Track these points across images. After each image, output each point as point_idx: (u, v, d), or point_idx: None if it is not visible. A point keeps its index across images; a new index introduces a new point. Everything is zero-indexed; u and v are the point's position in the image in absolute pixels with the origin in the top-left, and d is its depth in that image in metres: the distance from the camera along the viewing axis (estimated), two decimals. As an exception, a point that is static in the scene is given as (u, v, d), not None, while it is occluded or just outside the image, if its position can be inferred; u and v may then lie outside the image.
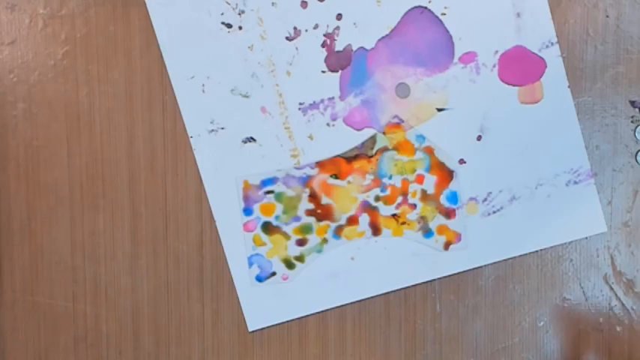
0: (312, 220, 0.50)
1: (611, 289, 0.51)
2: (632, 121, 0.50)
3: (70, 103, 0.50)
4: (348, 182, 0.50)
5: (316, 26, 0.49)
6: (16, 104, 0.50)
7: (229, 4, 0.49)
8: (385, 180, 0.50)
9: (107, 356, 0.51)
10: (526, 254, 0.50)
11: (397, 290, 0.51)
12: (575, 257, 0.51)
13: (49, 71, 0.50)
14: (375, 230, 0.50)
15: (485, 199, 0.50)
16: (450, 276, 0.51)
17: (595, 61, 0.50)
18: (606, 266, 0.51)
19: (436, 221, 0.50)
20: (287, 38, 0.49)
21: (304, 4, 0.49)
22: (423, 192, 0.50)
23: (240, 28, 0.49)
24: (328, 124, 0.50)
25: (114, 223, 0.50)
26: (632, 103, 0.50)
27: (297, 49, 0.49)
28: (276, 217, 0.50)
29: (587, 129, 0.50)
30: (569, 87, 0.50)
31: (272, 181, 0.50)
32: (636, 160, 0.50)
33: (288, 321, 0.51)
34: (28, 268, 0.50)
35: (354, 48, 0.49)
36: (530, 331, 0.51)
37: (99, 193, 0.50)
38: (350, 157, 0.50)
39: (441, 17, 0.49)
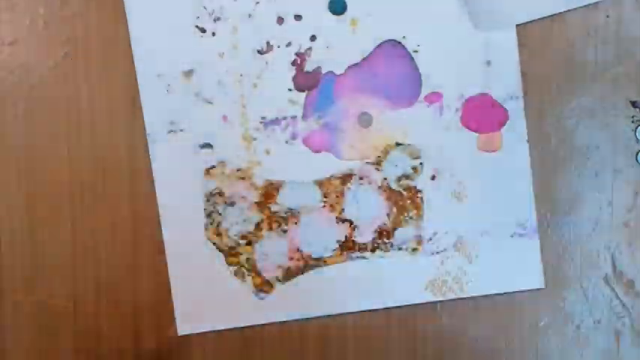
0: None
1: (612, 289, 0.51)
2: (632, 121, 0.50)
3: (71, 103, 0.50)
4: None
5: (289, 44, 0.49)
6: (16, 105, 0.50)
7: (206, 8, 0.49)
8: None
9: (107, 356, 0.51)
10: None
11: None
12: (575, 257, 0.51)
13: (50, 72, 0.50)
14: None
15: (430, 239, 0.50)
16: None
17: (595, 61, 0.50)
18: (607, 266, 0.51)
19: None
20: (259, 51, 0.49)
21: (280, 20, 0.49)
22: None
23: (213, 34, 0.49)
24: (287, 142, 0.50)
25: (114, 222, 0.50)
26: (633, 103, 0.50)
27: (267, 63, 0.49)
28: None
29: (587, 129, 0.50)
30: (527, 141, 0.50)
31: None
32: (637, 160, 0.50)
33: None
34: (29, 267, 0.51)
35: (324, 71, 0.49)
36: (530, 331, 0.51)
37: (99, 192, 0.50)
38: None
39: (412, 54, 0.49)
